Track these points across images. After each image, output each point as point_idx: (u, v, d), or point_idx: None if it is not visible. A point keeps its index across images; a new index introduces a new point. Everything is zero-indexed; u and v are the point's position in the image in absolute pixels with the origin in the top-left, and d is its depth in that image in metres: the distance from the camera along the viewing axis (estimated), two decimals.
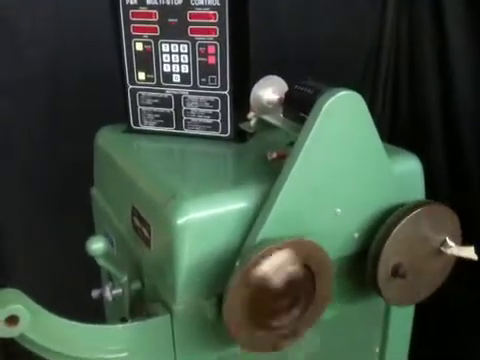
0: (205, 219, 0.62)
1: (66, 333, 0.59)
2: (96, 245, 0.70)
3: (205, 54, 0.78)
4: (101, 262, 0.71)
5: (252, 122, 0.78)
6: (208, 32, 0.76)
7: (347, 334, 0.82)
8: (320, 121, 0.62)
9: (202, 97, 0.81)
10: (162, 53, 0.80)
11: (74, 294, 1.02)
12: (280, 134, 0.74)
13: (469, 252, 0.71)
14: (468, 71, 1.13)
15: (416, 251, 0.70)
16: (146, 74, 0.83)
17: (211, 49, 0.77)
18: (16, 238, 1.25)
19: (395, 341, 0.87)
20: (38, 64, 1.14)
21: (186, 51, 0.78)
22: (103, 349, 0.62)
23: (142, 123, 0.87)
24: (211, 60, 0.78)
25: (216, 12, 0.75)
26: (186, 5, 0.76)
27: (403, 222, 0.68)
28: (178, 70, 0.80)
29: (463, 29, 1.12)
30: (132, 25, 0.80)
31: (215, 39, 0.76)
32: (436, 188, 1.13)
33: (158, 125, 0.86)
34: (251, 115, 0.78)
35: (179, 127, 0.85)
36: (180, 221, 0.61)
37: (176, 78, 0.81)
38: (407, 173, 0.77)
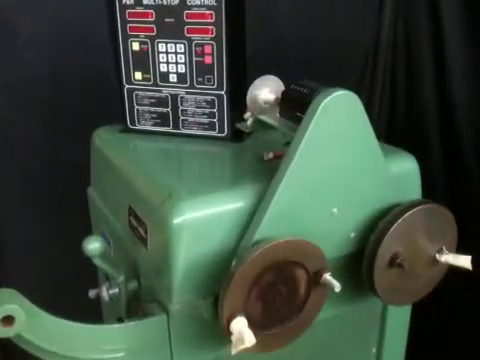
0: (201, 219, 0.62)
1: (62, 333, 0.59)
2: (92, 245, 0.70)
3: (202, 54, 0.78)
4: (97, 262, 0.71)
5: (249, 122, 0.78)
6: (204, 32, 0.76)
7: (344, 334, 0.82)
8: (316, 121, 0.62)
9: (199, 97, 0.81)
10: (159, 53, 0.80)
11: (72, 294, 1.02)
12: (277, 134, 0.74)
13: (465, 261, 0.71)
14: (465, 71, 1.14)
15: (412, 250, 0.70)
16: (143, 74, 0.83)
17: (207, 49, 0.77)
18: (15, 238, 1.25)
19: (392, 341, 0.87)
20: (37, 65, 1.14)
21: (183, 51, 0.79)
22: (100, 349, 0.61)
23: (139, 123, 0.87)
24: (208, 60, 0.78)
25: (212, 12, 0.75)
26: (182, 5, 0.76)
27: (399, 221, 0.68)
28: (175, 70, 0.80)
29: (460, 29, 1.13)
30: (129, 25, 0.80)
31: (211, 39, 0.76)
32: (433, 188, 1.13)
33: (155, 125, 0.86)
34: (248, 115, 0.78)
35: (176, 127, 0.85)
36: (176, 221, 0.61)
37: (173, 78, 0.81)
38: (403, 173, 0.77)
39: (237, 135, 0.83)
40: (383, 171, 0.70)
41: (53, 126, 1.18)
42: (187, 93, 0.82)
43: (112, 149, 0.86)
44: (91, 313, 0.72)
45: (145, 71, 0.82)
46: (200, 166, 0.77)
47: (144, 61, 0.81)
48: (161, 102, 0.84)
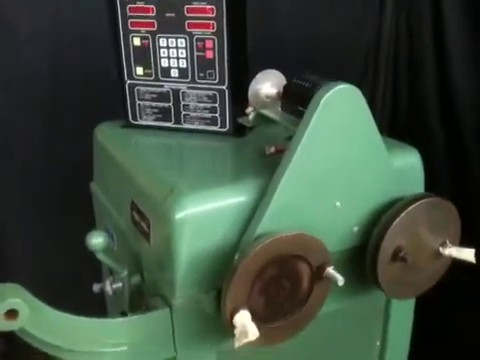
0: (203, 214, 0.62)
1: (66, 327, 0.59)
2: (96, 240, 0.70)
3: (203, 49, 0.78)
4: (101, 256, 0.72)
5: (251, 116, 0.78)
6: (205, 27, 0.76)
7: (347, 328, 0.82)
8: (318, 114, 0.62)
9: (200, 92, 0.81)
10: (160, 48, 0.80)
11: (73, 294, 1.03)
12: (279, 128, 0.74)
13: (468, 254, 0.71)
14: (467, 64, 1.13)
15: (415, 244, 0.70)
16: (144, 69, 0.82)
17: (209, 44, 0.77)
18: (16, 237, 1.25)
19: (396, 335, 0.87)
20: (37, 63, 1.14)
21: (184, 46, 0.78)
22: (103, 343, 0.62)
23: (141, 118, 0.87)
24: (209, 55, 0.78)
25: (213, 6, 0.75)
26: None
27: (402, 215, 0.67)
28: (176, 65, 0.80)
29: (460, 13, 1.12)
30: (129, 20, 0.80)
31: (213, 33, 0.76)
32: (436, 181, 1.13)
33: (156, 120, 0.86)
34: (249, 109, 0.78)
35: (177, 122, 0.85)
36: (179, 216, 0.61)
37: (174, 73, 0.81)
38: (406, 167, 0.77)
39: (239, 130, 0.83)
40: (386, 165, 0.70)
41: (53, 124, 1.18)
42: (188, 88, 0.82)
43: (114, 144, 0.86)
44: (96, 309, 0.72)
45: (146, 66, 0.82)
46: (202, 161, 0.77)
47: (145, 56, 0.81)
48: (162, 97, 0.84)
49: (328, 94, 0.62)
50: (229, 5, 0.74)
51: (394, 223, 0.67)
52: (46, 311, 0.57)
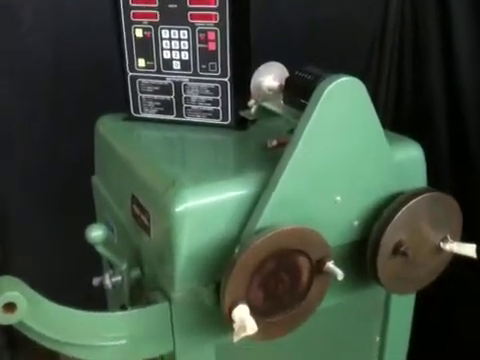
0: (204, 207, 0.62)
1: (65, 320, 0.59)
2: (95, 233, 0.70)
3: (205, 40, 0.77)
4: (100, 249, 0.71)
5: (253, 109, 0.77)
6: (208, 18, 0.75)
7: (347, 323, 0.82)
8: (320, 107, 0.61)
9: (202, 84, 0.81)
10: (162, 39, 0.79)
11: (73, 294, 1.02)
12: (281, 121, 0.74)
13: (469, 250, 0.71)
14: (473, 57, 1.12)
15: (416, 238, 0.70)
16: (146, 61, 0.82)
17: (211, 35, 0.76)
18: (15, 237, 1.25)
19: (395, 330, 0.87)
20: (40, 50, 1.13)
21: (186, 37, 0.78)
22: (102, 336, 0.62)
23: (142, 111, 0.86)
24: (211, 46, 0.77)
25: None
26: None
27: (403, 209, 0.67)
28: (178, 57, 0.80)
29: (468, 12, 1.11)
30: (132, 11, 0.79)
31: (215, 25, 0.75)
32: (439, 176, 1.12)
33: (158, 113, 0.86)
34: (252, 102, 0.77)
35: (179, 115, 0.85)
36: (179, 209, 0.60)
37: (176, 65, 0.80)
38: (408, 160, 0.76)
39: (241, 123, 0.82)
40: (387, 158, 0.69)
41: (55, 113, 1.18)
42: (190, 80, 0.81)
43: (116, 137, 0.86)
44: (96, 303, 0.72)
45: (148, 58, 0.82)
46: (203, 154, 0.77)
47: (147, 48, 0.81)
48: (164, 90, 0.83)
49: (330, 86, 0.61)
50: None
51: (395, 217, 0.67)
52: (45, 304, 0.57)
